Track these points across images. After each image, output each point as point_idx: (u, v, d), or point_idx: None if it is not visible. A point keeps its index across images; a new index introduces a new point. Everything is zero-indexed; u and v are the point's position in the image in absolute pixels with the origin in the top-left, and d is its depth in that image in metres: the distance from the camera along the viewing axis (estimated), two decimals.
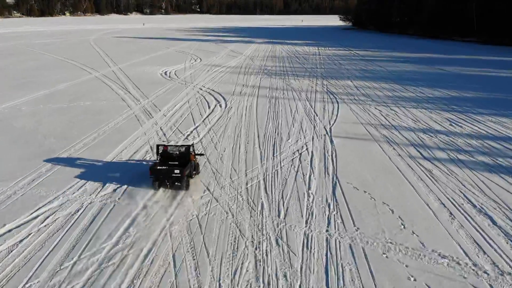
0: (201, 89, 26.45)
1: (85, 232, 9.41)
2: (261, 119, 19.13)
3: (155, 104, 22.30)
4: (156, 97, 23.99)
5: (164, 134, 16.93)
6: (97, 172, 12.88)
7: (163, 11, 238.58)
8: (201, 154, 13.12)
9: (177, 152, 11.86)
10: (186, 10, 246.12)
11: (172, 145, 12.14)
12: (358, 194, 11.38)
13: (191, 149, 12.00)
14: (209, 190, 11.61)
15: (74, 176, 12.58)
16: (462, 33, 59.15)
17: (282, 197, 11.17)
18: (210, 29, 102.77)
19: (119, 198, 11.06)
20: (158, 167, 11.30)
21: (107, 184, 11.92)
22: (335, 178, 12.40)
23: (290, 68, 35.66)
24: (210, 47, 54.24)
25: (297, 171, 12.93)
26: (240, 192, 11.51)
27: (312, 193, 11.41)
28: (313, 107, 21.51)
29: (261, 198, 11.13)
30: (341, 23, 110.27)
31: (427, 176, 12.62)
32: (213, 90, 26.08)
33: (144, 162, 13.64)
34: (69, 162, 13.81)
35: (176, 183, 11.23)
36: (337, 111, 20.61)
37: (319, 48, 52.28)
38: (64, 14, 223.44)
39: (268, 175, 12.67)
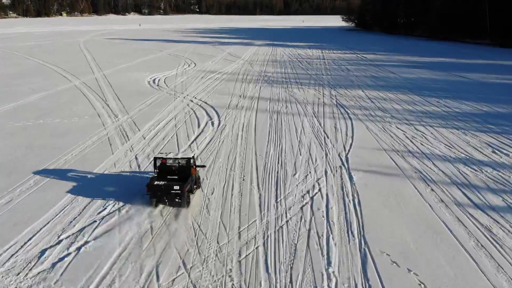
0: (192, 101, 23.06)
1: None
2: (261, 142, 15.73)
3: (135, 121, 18.88)
4: (138, 112, 20.57)
5: (139, 166, 13.52)
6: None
7: (161, 11, 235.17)
8: (202, 166, 12.16)
9: (177, 165, 11.00)
10: (185, 10, 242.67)
11: (171, 158, 11.11)
12: (400, 274, 7.96)
13: (191, 162, 11.04)
14: (185, 266, 8.20)
15: None
16: (473, 34, 55.76)
17: (291, 282, 7.74)
18: (208, 30, 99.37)
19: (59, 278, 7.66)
20: (156, 183, 10.42)
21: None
22: (363, 243, 8.98)
23: (292, 74, 32.24)
24: (207, 50, 50.83)
25: (309, 230, 9.52)
26: (230, 270, 8.09)
27: (333, 273, 7.98)
28: (322, 125, 18.11)
29: (261, 284, 7.70)
30: (344, 23, 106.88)
31: (487, 238, 9.22)
32: (206, 103, 22.68)
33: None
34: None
35: (176, 199, 10.27)
36: (352, 131, 17.20)
37: (323, 51, 48.87)
38: (61, 14, 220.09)
39: (270, 236, 9.27)
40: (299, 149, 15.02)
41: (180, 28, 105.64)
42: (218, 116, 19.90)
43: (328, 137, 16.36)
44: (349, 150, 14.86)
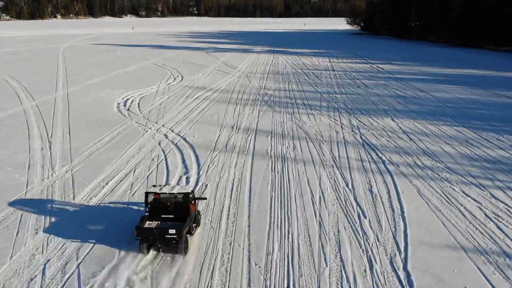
0: (166, 137, 17.14)
1: None
2: (258, 231, 9.82)
3: (75, 177, 12.93)
4: (86, 159, 14.63)
5: None
6: None
7: (159, 13, 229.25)
8: (203, 199, 10.56)
9: (173, 201, 9.29)
10: (183, 12, 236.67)
11: (165, 193, 9.30)
12: None
13: (190, 196, 9.32)
14: None
15: None
16: (497, 41, 49.80)
17: None
18: (204, 34, 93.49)
19: None
20: (147, 225, 8.92)
21: None
22: None
23: (298, 93, 26.31)
24: (199, 58, 44.89)
25: None
26: None
27: None
28: (350, 186, 12.20)
29: None
30: (348, 27, 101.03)
31: None
32: (185, 139, 16.78)
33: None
34: None
35: (172, 243, 8.56)
36: (399, 202, 11.24)
37: (331, 60, 42.92)
38: (55, 17, 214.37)
39: None
40: (322, 247, 9.08)
41: (175, 31, 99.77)
42: (198, 165, 13.98)
43: (365, 216, 10.40)
44: (406, 253, 8.88)
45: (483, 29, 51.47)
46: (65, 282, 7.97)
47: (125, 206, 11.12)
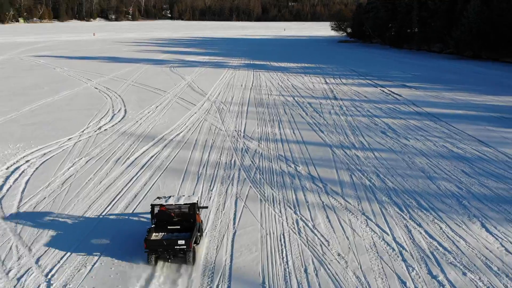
0: None
1: None
2: None
3: None
4: None
5: None
6: None
7: (130, 17, 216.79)
8: (204, 207, 10.49)
9: (179, 212, 9.40)
10: (155, 15, 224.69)
11: (171, 205, 9.39)
12: None
13: (196, 207, 9.46)
14: None
15: None
16: None
17: None
18: (174, 41, 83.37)
19: None
20: (155, 237, 9.11)
21: None
22: None
23: (297, 147, 16.91)
24: (159, 77, 35.08)
25: None
26: None
27: None
28: None
29: None
30: (333, 33, 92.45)
31: None
32: None
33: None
34: None
35: (180, 254, 8.75)
36: None
37: (327, 80, 33.75)
38: (18, 21, 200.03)
39: None
40: None
41: (142, 38, 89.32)
42: None
43: None
44: None
45: (501, 39, 43.22)
46: None
47: None
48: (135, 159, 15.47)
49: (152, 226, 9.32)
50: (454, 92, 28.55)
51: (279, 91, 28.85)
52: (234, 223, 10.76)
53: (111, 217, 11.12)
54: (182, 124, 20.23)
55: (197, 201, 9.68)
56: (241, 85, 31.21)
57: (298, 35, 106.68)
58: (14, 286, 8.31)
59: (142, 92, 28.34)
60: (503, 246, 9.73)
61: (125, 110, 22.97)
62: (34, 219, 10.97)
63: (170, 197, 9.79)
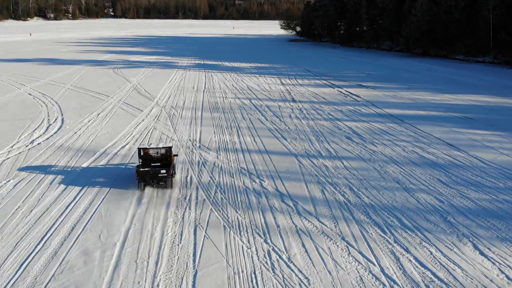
0: None
1: None
2: None
3: None
4: None
5: None
6: None
7: (70, 15, 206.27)
8: (175, 155, 13.42)
9: (158, 154, 12.70)
10: (97, 14, 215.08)
11: (153, 148, 12.82)
12: None
13: (171, 150, 12.88)
14: None
15: None
16: (469, 50, 42.25)
17: None
18: (117, 39, 79.36)
19: None
20: (145, 169, 12.08)
21: None
22: None
23: (259, 157, 15.32)
24: (102, 79, 32.32)
25: None
26: None
27: None
28: None
29: None
30: (283, 32, 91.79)
31: None
32: None
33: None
34: None
35: (161, 182, 12.16)
36: None
37: (283, 81, 32.45)
38: None
39: None
40: None
41: (84, 37, 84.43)
42: None
43: None
44: None
45: (449, 36, 43.91)
46: None
47: None
48: (73, 179, 13.22)
49: (140, 163, 12.55)
50: (411, 91, 28.10)
51: (234, 94, 27.16)
52: (194, 261, 8.98)
53: (42, 259, 8.98)
54: (128, 134, 18.06)
55: (171, 146, 13.07)
56: (193, 88, 29.22)
57: (248, 34, 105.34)
58: None
59: (82, 97, 25.67)
60: (503, 272, 8.62)
61: (63, 119, 20.38)
62: None
63: (150, 144, 14.01)
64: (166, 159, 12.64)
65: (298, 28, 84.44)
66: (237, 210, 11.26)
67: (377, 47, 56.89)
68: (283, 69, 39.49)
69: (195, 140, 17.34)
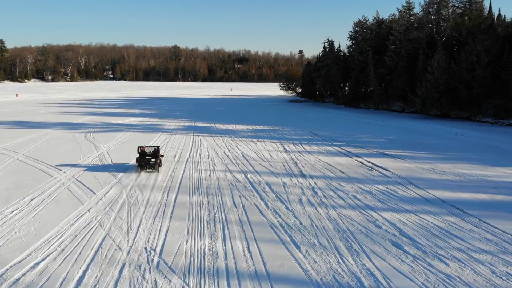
0: None
1: None
2: None
3: None
4: None
5: None
6: None
7: (68, 77, 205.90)
8: (161, 155, 20.62)
9: (151, 151, 19.71)
10: (96, 76, 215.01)
11: (147, 146, 20.32)
12: None
13: (159, 149, 20.13)
14: None
15: None
16: (500, 111, 36.71)
17: None
18: (109, 101, 74.86)
19: None
20: (142, 159, 19.09)
21: None
22: None
23: (255, 284, 8.86)
24: (65, 147, 26.38)
25: None
26: None
27: None
28: None
29: None
30: (282, 92, 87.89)
31: None
32: None
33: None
34: None
35: (152, 168, 19.15)
36: None
37: (286, 147, 26.57)
38: None
39: None
40: None
41: (73, 98, 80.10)
42: None
43: None
44: None
45: (472, 97, 38.75)
46: None
47: None
48: None
49: (138, 156, 19.39)
50: (450, 162, 22.02)
51: (225, 165, 21.10)
52: None
53: None
54: (54, 238, 11.69)
55: (159, 146, 20.52)
56: (174, 156, 23.24)
57: (246, 95, 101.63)
58: None
59: (26, 172, 19.51)
60: None
61: None
62: None
63: (146, 146, 20.53)
64: (155, 153, 19.37)
65: (299, 89, 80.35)
66: None
67: (387, 108, 51.80)
68: (286, 132, 33.80)
69: (154, 250, 10.96)
